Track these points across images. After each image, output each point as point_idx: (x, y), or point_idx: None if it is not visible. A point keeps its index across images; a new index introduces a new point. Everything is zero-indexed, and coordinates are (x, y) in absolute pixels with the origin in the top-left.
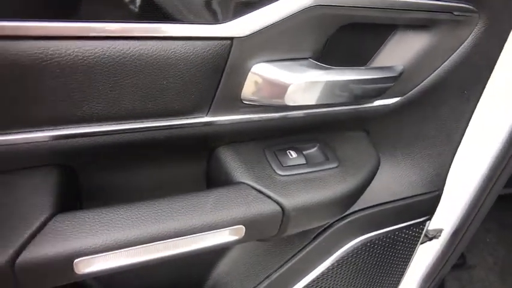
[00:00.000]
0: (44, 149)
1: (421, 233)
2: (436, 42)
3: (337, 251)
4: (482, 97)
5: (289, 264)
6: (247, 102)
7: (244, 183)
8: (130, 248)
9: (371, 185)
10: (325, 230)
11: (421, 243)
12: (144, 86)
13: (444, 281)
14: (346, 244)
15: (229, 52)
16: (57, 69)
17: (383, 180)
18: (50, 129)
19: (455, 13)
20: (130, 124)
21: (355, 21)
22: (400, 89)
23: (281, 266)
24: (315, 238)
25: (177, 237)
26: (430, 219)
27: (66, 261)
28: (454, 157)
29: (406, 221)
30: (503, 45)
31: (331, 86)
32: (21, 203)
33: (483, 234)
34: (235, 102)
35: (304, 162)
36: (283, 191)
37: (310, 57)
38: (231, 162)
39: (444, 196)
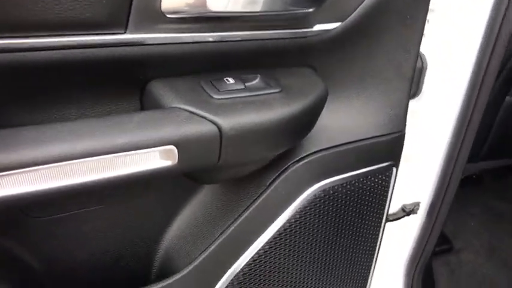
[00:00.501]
0: None
1: (389, 182)
2: None
3: (296, 198)
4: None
5: (246, 214)
6: (171, 16)
7: (175, 107)
8: (38, 168)
9: (326, 126)
10: (280, 174)
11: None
12: None
13: (432, 267)
14: (305, 190)
15: None
16: None
17: (339, 121)
18: None
19: None
20: (33, 39)
21: None
22: (338, 12)
23: (236, 219)
24: (270, 184)
25: (96, 156)
26: (395, 165)
27: None
28: (409, 96)
29: (369, 166)
30: None
31: None
32: None
33: (467, 219)
34: (157, 16)
35: (243, 87)
36: (220, 112)
37: None
38: (165, 95)
39: (415, 169)
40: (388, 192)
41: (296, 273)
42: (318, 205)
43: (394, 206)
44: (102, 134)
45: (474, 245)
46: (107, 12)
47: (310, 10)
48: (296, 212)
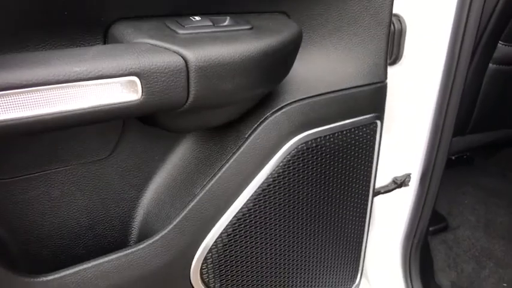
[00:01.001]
0: None
1: (374, 136)
2: None
3: (277, 150)
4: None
5: (225, 168)
6: None
7: (137, 42)
8: None
9: (305, 76)
10: (259, 124)
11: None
12: None
13: (429, 244)
14: (286, 142)
15: None
16: None
17: (317, 72)
18: None
19: None
20: None
21: None
22: None
23: (215, 173)
24: (249, 135)
25: (51, 85)
26: (380, 118)
27: None
28: (388, 45)
29: (351, 117)
30: None
31: None
32: None
33: (460, 197)
34: None
35: (211, 24)
36: (185, 44)
37: None
38: (127, 34)
39: (403, 139)
40: (374, 147)
41: (283, 233)
42: (301, 159)
43: (385, 178)
44: (57, 62)
45: (470, 221)
46: None
47: None
48: (279, 166)
